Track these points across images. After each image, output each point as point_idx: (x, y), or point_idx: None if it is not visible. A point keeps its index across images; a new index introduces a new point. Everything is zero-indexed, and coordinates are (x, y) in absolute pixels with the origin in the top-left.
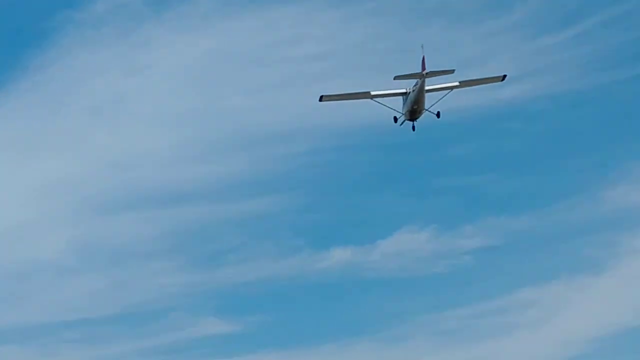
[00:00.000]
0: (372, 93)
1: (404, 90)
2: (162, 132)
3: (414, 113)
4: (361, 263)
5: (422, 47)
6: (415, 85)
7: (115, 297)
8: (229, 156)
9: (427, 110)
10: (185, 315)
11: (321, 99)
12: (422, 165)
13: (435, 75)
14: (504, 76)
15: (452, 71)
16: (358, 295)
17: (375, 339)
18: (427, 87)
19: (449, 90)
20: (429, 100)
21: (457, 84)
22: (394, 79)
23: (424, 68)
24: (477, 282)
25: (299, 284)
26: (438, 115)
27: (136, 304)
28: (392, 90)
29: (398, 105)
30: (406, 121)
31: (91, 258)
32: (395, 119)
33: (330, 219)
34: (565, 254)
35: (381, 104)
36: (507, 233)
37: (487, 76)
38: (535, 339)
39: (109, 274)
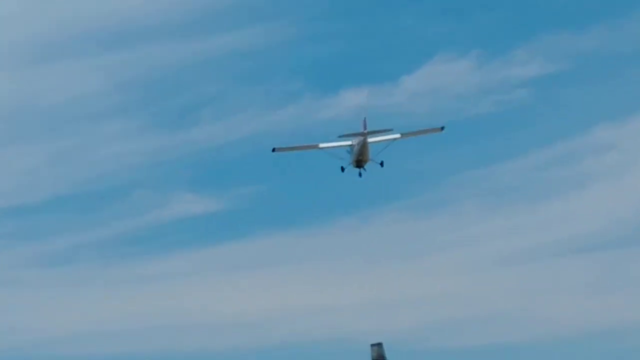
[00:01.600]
0: (321, 145)
1: (349, 143)
2: None
3: (359, 162)
4: (381, 107)
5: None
6: (359, 140)
7: (59, 175)
8: None
9: (371, 160)
10: (153, 193)
11: (274, 150)
12: None
13: (376, 134)
14: (442, 127)
15: (391, 130)
16: (378, 146)
17: (406, 207)
18: (371, 140)
19: (391, 141)
20: (374, 149)
21: (398, 135)
22: (339, 137)
23: (365, 128)
24: (535, 123)
25: (299, 141)
26: (382, 164)
27: (87, 182)
28: (338, 143)
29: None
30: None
31: (21, 125)
32: (343, 169)
33: (337, 51)
34: None
35: (329, 154)
36: (573, 55)
37: (426, 128)
38: (615, 192)
39: (48, 144)
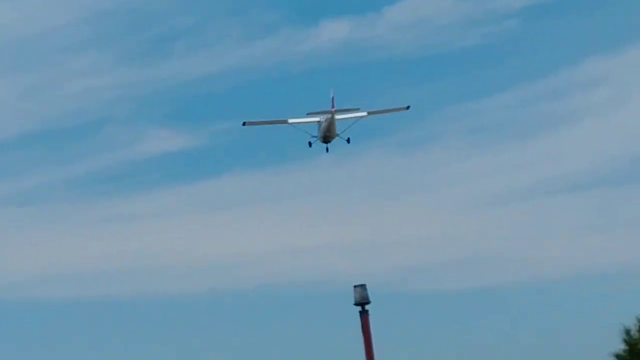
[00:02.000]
0: (290, 121)
1: (317, 119)
2: None
3: (326, 138)
4: (362, 40)
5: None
6: (327, 118)
7: (27, 111)
8: None
9: (338, 135)
10: (125, 129)
11: (244, 124)
12: None
13: (343, 112)
14: (408, 107)
15: (358, 109)
16: (360, 81)
17: (390, 143)
18: (338, 117)
19: (358, 119)
20: (341, 126)
21: (365, 114)
22: (307, 114)
23: (333, 106)
24: (524, 56)
25: (278, 75)
26: (348, 141)
27: (56, 118)
28: (306, 119)
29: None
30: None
31: None
32: (310, 144)
33: None
34: None
35: (298, 128)
36: None
37: (392, 107)
38: (607, 128)
39: (15, 79)
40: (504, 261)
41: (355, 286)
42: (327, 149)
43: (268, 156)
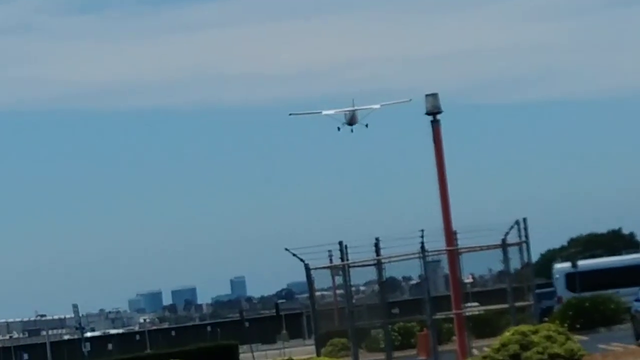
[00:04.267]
0: (323, 112)
1: (344, 111)
2: None
3: (350, 124)
4: None
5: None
6: (350, 111)
7: None
8: None
9: (359, 122)
10: None
11: (290, 114)
12: None
13: (362, 108)
14: (410, 99)
15: (376, 107)
16: None
17: None
18: (357, 111)
19: (372, 110)
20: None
21: (378, 106)
22: (335, 111)
23: (353, 105)
24: None
25: None
26: (367, 126)
27: None
28: (336, 110)
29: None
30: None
31: None
32: (339, 129)
33: None
34: None
35: (330, 117)
36: None
37: (398, 100)
38: None
39: None
40: (577, 73)
41: (426, 95)
42: (351, 130)
43: None
